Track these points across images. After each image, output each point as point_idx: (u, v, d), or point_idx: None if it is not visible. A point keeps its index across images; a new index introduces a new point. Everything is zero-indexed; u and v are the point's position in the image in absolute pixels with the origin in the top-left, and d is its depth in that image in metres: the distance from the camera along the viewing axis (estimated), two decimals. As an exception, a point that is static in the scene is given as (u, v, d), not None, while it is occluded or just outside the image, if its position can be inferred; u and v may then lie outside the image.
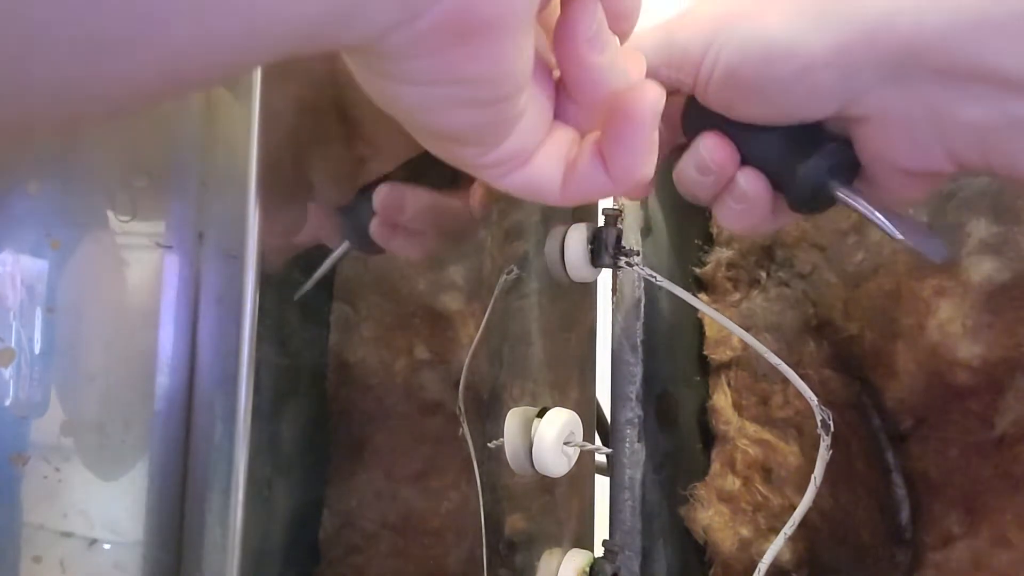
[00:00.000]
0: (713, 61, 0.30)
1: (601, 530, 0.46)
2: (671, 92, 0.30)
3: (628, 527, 0.43)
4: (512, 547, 0.41)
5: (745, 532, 0.46)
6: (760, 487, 0.46)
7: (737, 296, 0.48)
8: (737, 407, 0.48)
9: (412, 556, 0.49)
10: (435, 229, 0.44)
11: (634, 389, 0.43)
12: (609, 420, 0.46)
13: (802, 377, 0.39)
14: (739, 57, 0.29)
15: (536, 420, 0.39)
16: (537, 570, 0.42)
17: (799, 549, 0.44)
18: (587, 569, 0.42)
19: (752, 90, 0.30)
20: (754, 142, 0.32)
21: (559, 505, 0.44)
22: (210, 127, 0.32)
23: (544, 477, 0.40)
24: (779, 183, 0.32)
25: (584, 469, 0.45)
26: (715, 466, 0.48)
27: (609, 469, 0.47)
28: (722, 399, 0.49)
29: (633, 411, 0.43)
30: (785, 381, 0.43)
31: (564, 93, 0.26)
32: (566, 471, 0.40)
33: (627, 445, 0.43)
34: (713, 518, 0.47)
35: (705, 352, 0.50)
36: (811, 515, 0.41)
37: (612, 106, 0.25)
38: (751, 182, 0.32)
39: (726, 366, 0.49)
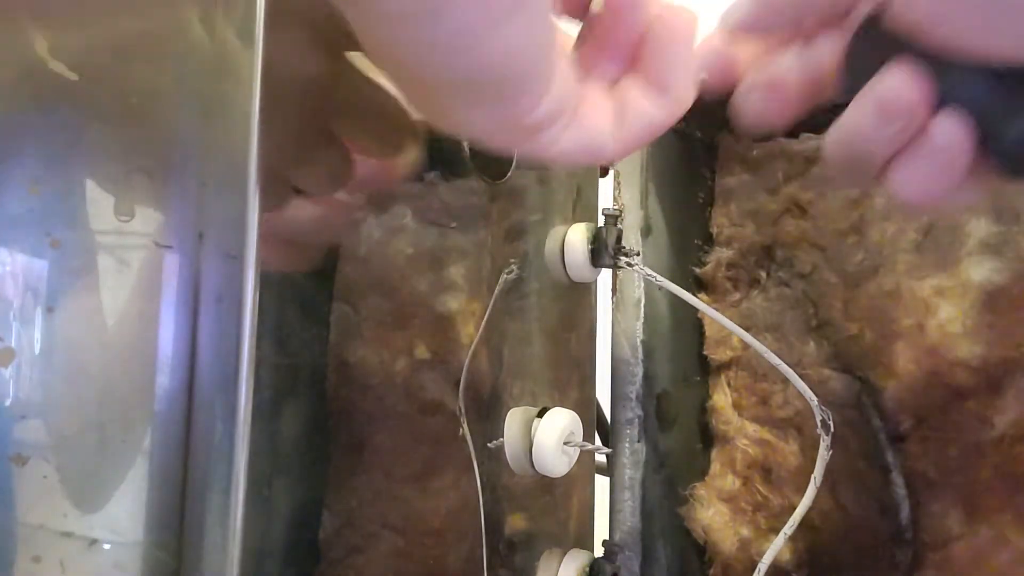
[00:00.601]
0: None
1: (601, 530, 0.46)
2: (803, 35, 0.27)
3: (628, 527, 0.43)
4: (512, 547, 0.41)
5: (745, 532, 0.46)
6: (760, 487, 0.46)
7: (737, 296, 0.48)
8: (737, 407, 0.48)
9: (412, 556, 0.49)
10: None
11: (634, 389, 0.43)
12: (609, 420, 0.46)
13: (802, 377, 0.39)
14: None
15: (536, 420, 0.39)
16: (537, 570, 0.42)
17: (799, 549, 0.44)
18: (587, 569, 0.42)
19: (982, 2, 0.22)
20: (958, 81, 0.25)
21: (559, 505, 0.44)
22: (210, 127, 0.32)
23: (544, 477, 0.40)
24: (987, 138, 0.25)
25: (584, 469, 0.46)
26: (715, 466, 0.48)
27: (609, 469, 0.47)
28: (722, 399, 0.49)
29: (633, 411, 0.43)
30: (785, 381, 0.43)
31: (589, 43, 0.25)
32: (566, 471, 0.40)
33: (627, 445, 0.43)
34: (713, 518, 0.47)
35: (705, 352, 0.50)
36: (811, 515, 0.41)
37: (653, 31, 0.24)
38: (950, 132, 0.25)
39: (726, 366, 0.49)
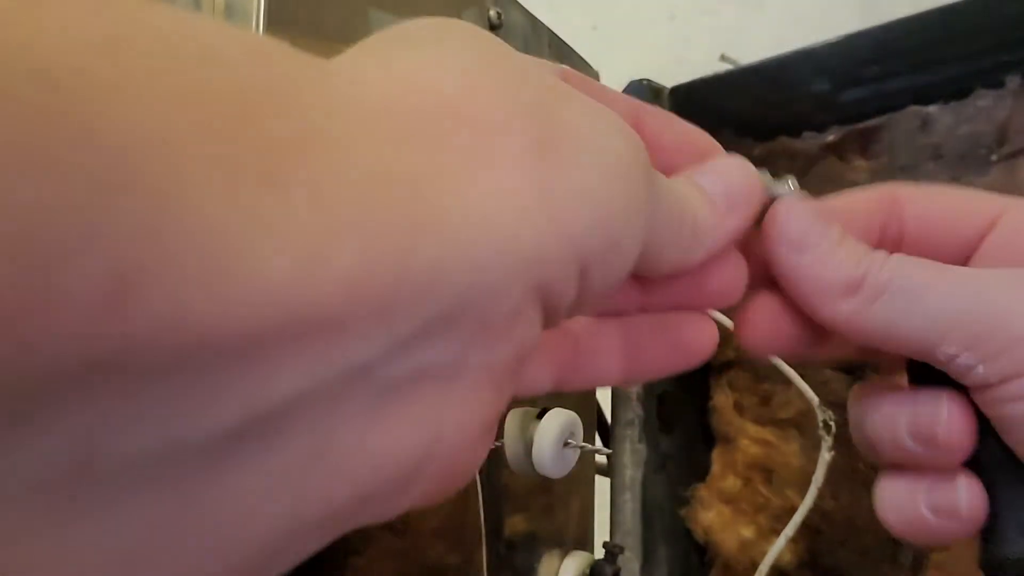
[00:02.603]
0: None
1: (601, 531, 0.46)
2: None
3: (629, 528, 0.43)
4: (512, 548, 0.41)
5: (746, 533, 0.46)
6: (761, 488, 0.46)
7: (738, 296, 0.48)
8: (738, 407, 0.48)
9: (412, 557, 0.48)
10: None
11: (635, 390, 0.43)
12: (609, 420, 0.46)
13: (803, 377, 0.39)
14: None
15: (536, 420, 0.39)
16: (537, 571, 0.42)
17: (800, 550, 0.44)
18: (587, 570, 0.42)
19: None
20: (1011, 467, 0.21)
21: (559, 506, 0.44)
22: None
23: (544, 478, 0.40)
24: (994, 526, 0.22)
25: (584, 470, 0.45)
26: (716, 467, 0.48)
27: (609, 470, 0.46)
28: (723, 399, 0.48)
29: (634, 411, 0.43)
30: (786, 381, 0.43)
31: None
32: (566, 472, 0.40)
33: (628, 446, 0.43)
34: (714, 519, 0.47)
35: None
36: (813, 516, 0.40)
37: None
38: (973, 496, 0.21)
39: (727, 366, 0.49)
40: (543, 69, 0.17)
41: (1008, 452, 0.21)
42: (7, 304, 0.08)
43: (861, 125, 0.44)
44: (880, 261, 0.21)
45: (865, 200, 0.24)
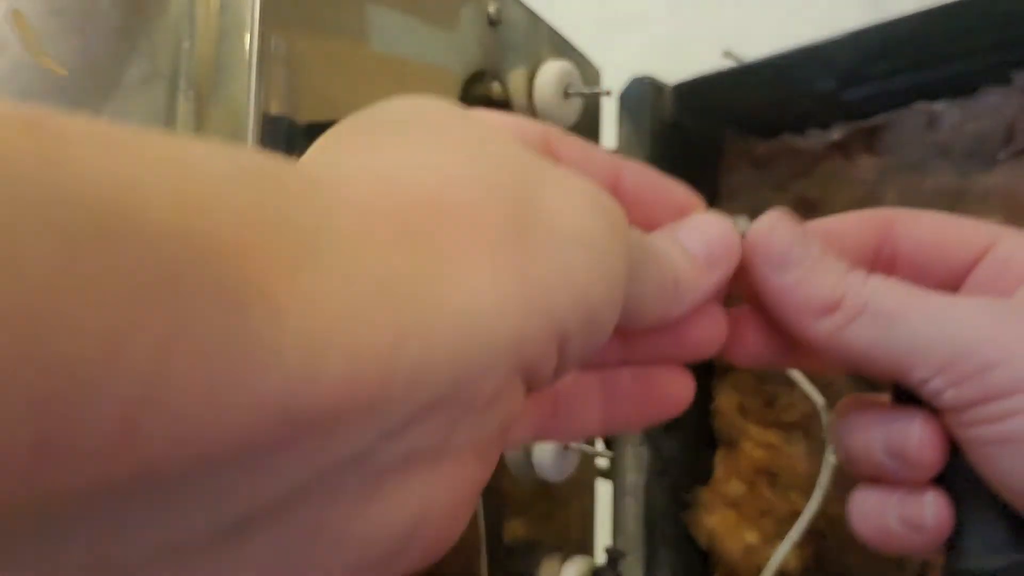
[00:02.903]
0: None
1: (603, 535, 0.46)
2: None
3: (631, 532, 0.42)
4: (512, 553, 0.41)
5: (750, 538, 0.45)
6: (766, 492, 0.46)
7: (742, 296, 0.48)
8: (742, 410, 0.48)
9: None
10: None
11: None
12: (611, 423, 0.45)
13: (808, 379, 0.39)
14: None
15: (536, 423, 0.38)
16: (537, 576, 0.41)
17: (806, 555, 0.43)
18: (589, 575, 0.41)
19: None
20: (976, 486, 0.22)
21: (560, 510, 0.43)
22: (202, 125, 0.32)
23: (545, 482, 0.39)
24: (957, 540, 0.23)
25: (585, 474, 0.45)
26: (719, 470, 0.48)
27: (611, 473, 0.46)
28: (727, 402, 0.48)
29: (636, 414, 0.43)
30: (790, 383, 0.42)
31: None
32: (567, 475, 0.39)
33: (629, 449, 0.43)
34: (718, 523, 0.46)
35: (709, 353, 0.49)
36: (818, 520, 0.40)
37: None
38: (939, 511, 0.22)
39: (731, 368, 0.48)
40: (518, 150, 0.17)
41: (974, 471, 0.22)
42: (34, 436, 0.09)
43: (867, 123, 0.44)
44: (859, 283, 0.22)
45: (859, 221, 0.25)
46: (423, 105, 0.18)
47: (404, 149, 0.16)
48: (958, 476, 0.23)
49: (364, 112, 0.18)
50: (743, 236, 0.23)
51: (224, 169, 0.12)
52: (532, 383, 0.16)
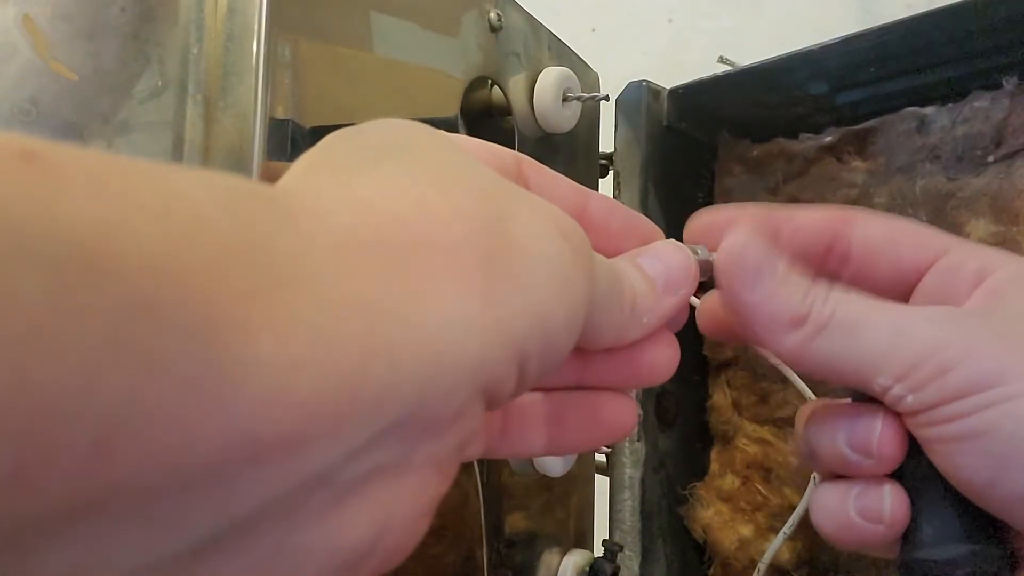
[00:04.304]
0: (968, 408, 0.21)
1: (601, 529, 0.46)
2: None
3: (628, 526, 0.43)
4: (512, 546, 0.41)
5: (745, 531, 0.46)
6: (759, 486, 0.46)
7: (737, 296, 0.48)
8: (737, 406, 0.48)
9: (412, 556, 0.49)
10: None
11: (633, 389, 0.43)
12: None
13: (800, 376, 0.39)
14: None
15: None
16: (537, 569, 0.42)
17: (798, 548, 0.44)
18: (587, 568, 0.42)
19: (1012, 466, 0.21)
20: (932, 480, 0.23)
21: (559, 505, 0.44)
22: (211, 130, 0.32)
23: (544, 476, 0.40)
24: (912, 531, 0.24)
25: (584, 468, 0.45)
26: (714, 465, 0.48)
27: (609, 468, 0.47)
28: (722, 398, 0.49)
29: (633, 411, 0.43)
30: (785, 380, 0.43)
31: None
32: (566, 470, 0.40)
33: (626, 445, 0.43)
34: (713, 517, 0.47)
35: (705, 352, 0.50)
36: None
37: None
38: (896, 503, 0.23)
39: (726, 365, 0.49)
40: (493, 178, 0.18)
41: (931, 467, 0.23)
42: (11, 462, 0.09)
43: (858, 127, 0.44)
44: (823, 297, 0.23)
45: (817, 217, 0.26)
46: (405, 130, 0.19)
47: (383, 178, 0.16)
48: (915, 471, 0.24)
49: (348, 133, 0.19)
50: (707, 262, 0.24)
51: (207, 202, 0.12)
52: (491, 403, 0.17)
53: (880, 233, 0.26)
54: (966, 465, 0.22)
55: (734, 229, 0.24)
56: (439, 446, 0.16)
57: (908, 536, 0.24)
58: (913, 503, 0.24)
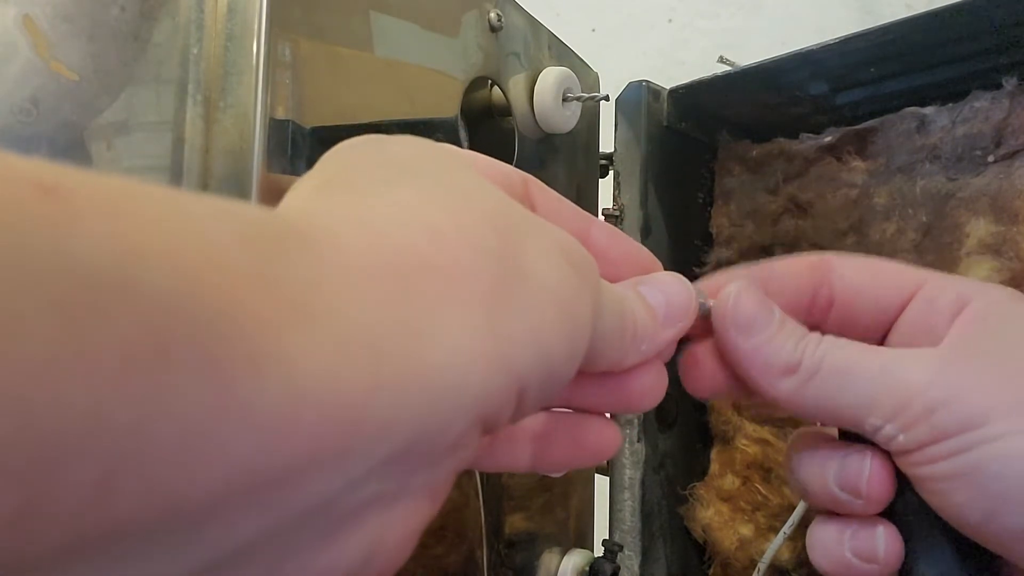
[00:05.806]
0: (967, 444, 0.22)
1: (601, 530, 0.46)
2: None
3: (628, 526, 0.43)
4: (512, 547, 0.41)
5: (745, 531, 0.46)
6: (759, 486, 0.46)
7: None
8: (736, 407, 0.48)
9: (412, 556, 0.49)
10: None
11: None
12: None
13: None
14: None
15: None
16: (537, 569, 0.42)
17: (798, 548, 0.44)
18: (587, 568, 0.42)
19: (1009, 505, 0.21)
20: (922, 516, 0.24)
21: (559, 505, 0.44)
22: (211, 130, 0.32)
23: (544, 477, 0.40)
24: (909, 570, 0.24)
25: (584, 469, 0.46)
26: (714, 466, 0.48)
27: (609, 469, 0.47)
28: (721, 399, 0.49)
29: (633, 411, 0.43)
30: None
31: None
32: (566, 471, 0.40)
33: (626, 445, 0.43)
34: (713, 517, 0.47)
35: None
36: (810, 514, 0.40)
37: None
38: (890, 544, 0.24)
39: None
40: (504, 201, 0.18)
41: (923, 504, 0.24)
42: (16, 500, 0.09)
43: (858, 127, 0.44)
44: (814, 344, 0.24)
45: (798, 265, 0.27)
46: (422, 150, 0.19)
47: (395, 203, 0.16)
48: (907, 508, 0.24)
49: (369, 148, 0.19)
50: (705, 307, 0.24)
51: (221, 231, 0.12)
52: (488, 430, 0.17)
53: (858, 273, 0.26)
54: (960, 503, 0.22)
55: (731, 280, 0.25)
56: (435, 474, 0.16)
57: (904, 573, 0.24)
58: (907, 540, 0.24)
